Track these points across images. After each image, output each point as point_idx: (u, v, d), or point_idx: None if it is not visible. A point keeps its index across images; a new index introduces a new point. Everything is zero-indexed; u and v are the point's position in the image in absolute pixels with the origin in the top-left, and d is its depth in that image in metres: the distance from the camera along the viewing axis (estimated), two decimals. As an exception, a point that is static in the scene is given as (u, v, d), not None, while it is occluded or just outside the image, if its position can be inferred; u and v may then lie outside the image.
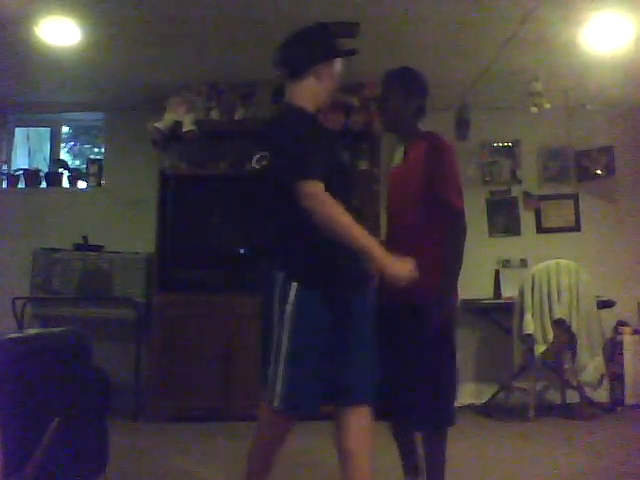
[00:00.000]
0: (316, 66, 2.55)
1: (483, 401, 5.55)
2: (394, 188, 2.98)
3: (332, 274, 2.45)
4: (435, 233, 2.76)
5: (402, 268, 2.35)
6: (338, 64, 2.63)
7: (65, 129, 6.68)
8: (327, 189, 2.31)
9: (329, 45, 2.64)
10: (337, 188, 2.37)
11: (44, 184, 6.14)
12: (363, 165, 5.57)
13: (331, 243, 2.35)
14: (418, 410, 2.74)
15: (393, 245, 2.73)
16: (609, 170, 6.01)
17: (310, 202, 2.29)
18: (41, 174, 6.13)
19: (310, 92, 2.57)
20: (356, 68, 5.22)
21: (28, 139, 6.54)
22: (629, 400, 5.51)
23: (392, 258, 2.35)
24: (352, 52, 2.70)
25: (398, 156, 2.97)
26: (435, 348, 2.74)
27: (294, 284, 2.38)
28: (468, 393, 5.79)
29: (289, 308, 2.38)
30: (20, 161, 6.41)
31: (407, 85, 2.91)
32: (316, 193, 2.29)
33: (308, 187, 2.29)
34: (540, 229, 6.10)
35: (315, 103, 2.58)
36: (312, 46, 2.60)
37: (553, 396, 5.78)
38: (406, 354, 2.74)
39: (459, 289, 2.82)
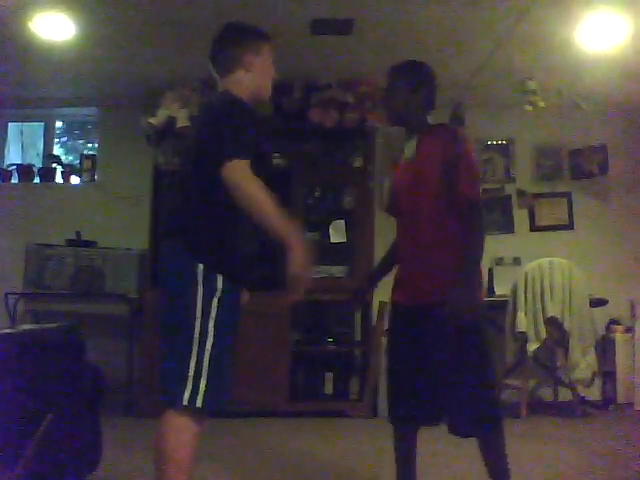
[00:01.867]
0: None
1: (476, 398, 5.55)
2: (406, 183, 2.87)
3: (245, 269, 2.45)
4: (453, 227, 2.69)
5: (306, 268, 2.22)
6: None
7: (59, 124, 6.66)
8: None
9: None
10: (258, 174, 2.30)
11: (37, 179, 6.11)
12: (357, 162, 5.56)
13: (247, 237, 2.39)
14: (457, 414, 2.67)
15: (409, 241, 2.77)
16: (602, 168, 6.01)
17: (237, 177, 2.22)
18: (34, 169, 6.10)
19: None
20: (351, 65, 5.25)
21: (21, 134, 6.52)
22: (621, 398, 5.54)
23: (306, 254, 2.22)
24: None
25: (409, 150, 2.89)
26: (462, 348, 2.63)
27: (219, 276, 2.31)
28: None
29: (215, 301, 2.29)
30: (13, 156, 6.38)
31: (412, 78, 2.83)
32: (244, 169, 2.23)
33: (238, 164, 2.23)
34: (533, 227, 6.10)
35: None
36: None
37: (545, 394, 5.79)
38: (435, 356, 2.65)
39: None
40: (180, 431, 2.27)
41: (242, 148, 2.26)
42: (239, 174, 2.22)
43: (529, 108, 5.25)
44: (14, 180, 6.10)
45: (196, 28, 4.62)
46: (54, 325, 3.21)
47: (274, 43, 2.68)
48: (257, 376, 5.12)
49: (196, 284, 2.28)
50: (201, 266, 2.29)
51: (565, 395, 5.47)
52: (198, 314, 2.26)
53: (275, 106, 5.46)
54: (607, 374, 5.61)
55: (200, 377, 2.24)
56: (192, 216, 2.38)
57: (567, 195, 6.11)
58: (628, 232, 6.00)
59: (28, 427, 2.50)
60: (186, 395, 2.23)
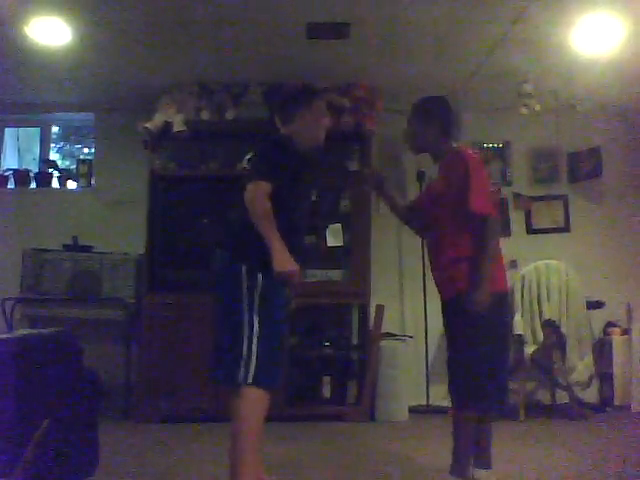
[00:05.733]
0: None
1: (473, 401, 5.55)
2: (430, 200, 3.31)
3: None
4: (462, 240, 3.09)
5: (286, 265, 2.76)
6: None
7: (55, 129, 6.65)
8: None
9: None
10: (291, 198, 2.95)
11: (34, 184, 6.11)
12: (353, 166, 5.58)
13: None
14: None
15: (430, 251, 3.34)
16: (597, 171, 6.01)
17: (248, 196, 2.83)
18: (31, 174, 6.10)
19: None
20: (347, 69, 5.26)
21: (18, 139, 6.52)
22: (618, 400, 5.54)
23: (285, 255, 2.76)
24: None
25: (434, 174, 3.36)
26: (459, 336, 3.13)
27: (259, 274, 2.81)
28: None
29: (257, 295, 2.80)
30: (9, 161, 6.38)
31: (423, 113, 3.27)
32: (255, 190, 2.82)
33: (252, 185, 2.83)
34: (530, 230, 6.11)
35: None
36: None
37: (543, 396, 5.80)
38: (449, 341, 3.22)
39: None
40: (243, 405, 2.76)
41: (259, 173, 2.87)
42: (250, 194, 2.82)
43: (525, 111, 5.27)
44: (10, 185, 6.10)
45: (192, 33, 4.64)
46: (51, 330, 3.20)
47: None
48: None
49: (241, 282, 2.80)
50: (244, 267, 2.81)
51: (562, 397, 5.48)
52: (245, 307, 2.79)
53: (271, 110, 5.48)
54: (604, 376, 5.61)
55: (250, 359, 2.73)
56: (237, 230, 2.97)
57: (563, 198, 6.12)
58: (624, 235, 6.01)
59: (25, 432, 2.50)
60: (241, 375, 2.73)
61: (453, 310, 3.15)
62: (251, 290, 2.81)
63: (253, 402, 2.78)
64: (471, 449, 3.15)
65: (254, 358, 2.74)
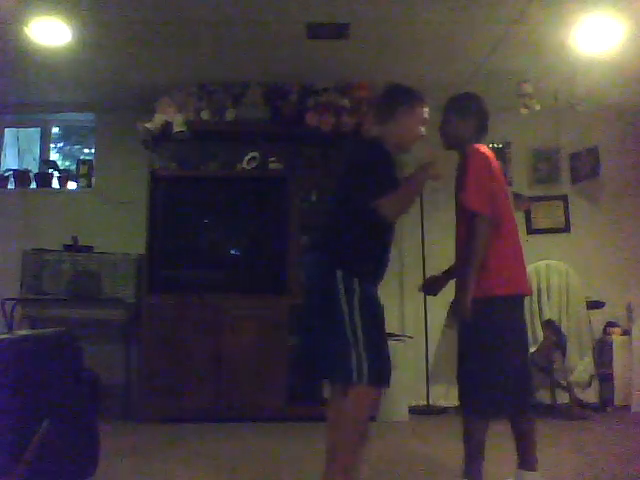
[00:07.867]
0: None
1: (473, 402, 5.55)
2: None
3: (377, 272, 3.05)
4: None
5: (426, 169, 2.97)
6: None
7: (55, 129, 6.65)
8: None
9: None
10: None
11: (34, 185, 6.11)
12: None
13: (373, 252, 3.01)
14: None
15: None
16: (594, 171, 6.01)
17: (384, 212, 2.85)
18: (31, 175, 6.10)
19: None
20: (347, 69, 5.26)
21: (18, 140, 6.52)
22: (618, 401, 5.54)
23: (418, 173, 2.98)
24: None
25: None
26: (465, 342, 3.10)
27: (355, 279, 2.87)
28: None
29: (355, 299, 2.86)
30: (10, 162, 6.38)
31: (460, 110, 3.19)
32: (383, 204, 2.84)
33: (380, 202, 2.84)
34: (530, 230, 6.11)
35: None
36: None
37: (543, 396, 5.79)
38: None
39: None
40: (356, 402, 2.84)
41: (380, 192, 2.86)
42: (384, 210, 2.85)
43: (525, 111, 5.27)
44: (10, 186, 6.10)
45: (192, 33, 4.64)
46: (51, 330, 3.20)
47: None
48: (255, 380, 5.12)
49: (337, 286, 2.86)
50: (340, 272, 2.86)
51: (562, 398, 5.47)
52: (345, 310, 2.83)
53: (271, 110, 5.48)
54: (604, 376, 5.61)
55: (362, 359, 2.80)
56: (336, 235, 3.00)
57: (563, 198, 6.12)
58: (625, 235, 6.01)
59: (25, 433, 2.50)
60: (355, 375, 2.79)
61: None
62: (350, 294, 2.86)
63: (362, 400, 2.87)
64: (479, 454, 3.21)
65: (365, 359, 2.81)
